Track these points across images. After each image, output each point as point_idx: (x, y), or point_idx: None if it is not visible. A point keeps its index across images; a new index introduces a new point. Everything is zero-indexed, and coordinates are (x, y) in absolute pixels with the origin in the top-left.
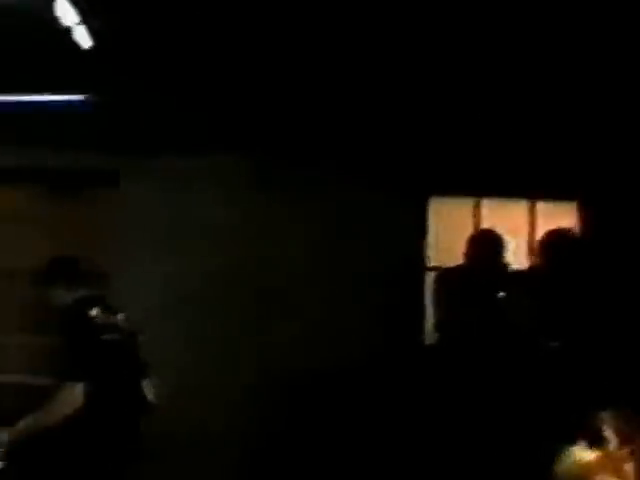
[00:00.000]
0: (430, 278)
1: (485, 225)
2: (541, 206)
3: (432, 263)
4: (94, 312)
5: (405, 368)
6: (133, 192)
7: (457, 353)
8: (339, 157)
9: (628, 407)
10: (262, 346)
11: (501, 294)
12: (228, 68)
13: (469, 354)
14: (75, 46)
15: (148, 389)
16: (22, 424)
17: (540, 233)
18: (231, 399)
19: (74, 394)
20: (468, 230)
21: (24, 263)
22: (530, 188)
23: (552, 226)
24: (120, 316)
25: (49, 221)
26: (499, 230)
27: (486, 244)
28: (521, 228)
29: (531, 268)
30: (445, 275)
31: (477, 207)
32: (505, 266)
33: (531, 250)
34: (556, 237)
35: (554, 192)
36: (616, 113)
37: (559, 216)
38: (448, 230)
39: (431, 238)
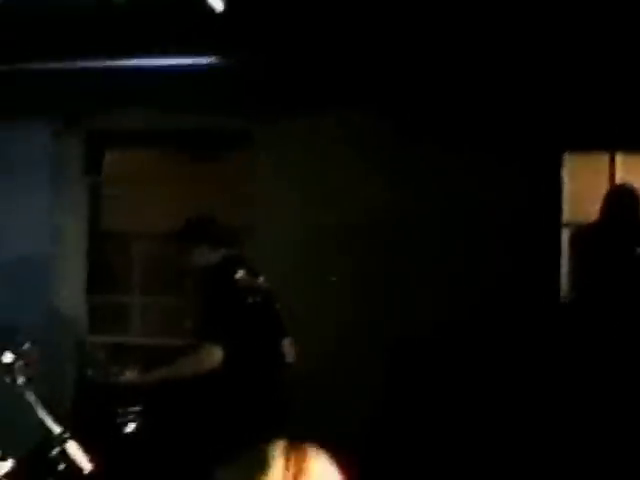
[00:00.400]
0: (565, 234)
1: (620, 180)
2: None
3: (567, 219)
4: (239, 274)
5: (542, 325)
6: (267, 151)
7: (594, 310)
8: (473, 112)
9: None
10: (400, 300)
11: (637, 250)
12: (360, 25)
13: (606, 311)
14: (209, 9)
15: (287, 349)
16: (157, 372)
17: None
18: (373, 355)
19: (212, 356)
20: (603, 185)
21: (165, 225)
22: None
23: None
24: (262, 278)
25: (187, 182)
26: (635, 185)
27: (622, 199)
28: None
29: None
30: (582, 232)
31: (612, 162)
32: None
33: None
34: None
35: None
36: None
37: None
38: (583, 186)
39: (566, 194)
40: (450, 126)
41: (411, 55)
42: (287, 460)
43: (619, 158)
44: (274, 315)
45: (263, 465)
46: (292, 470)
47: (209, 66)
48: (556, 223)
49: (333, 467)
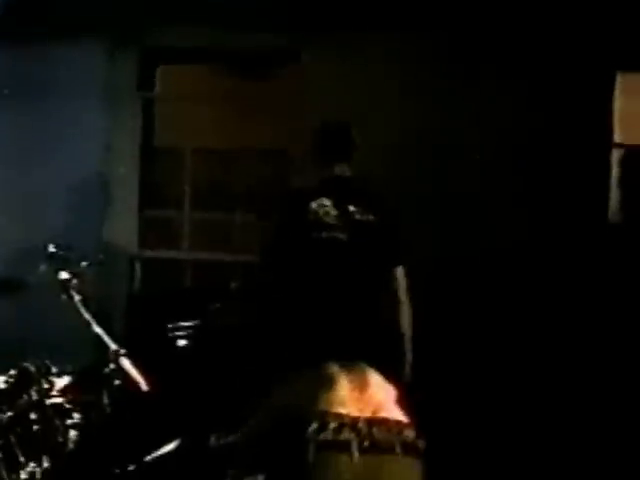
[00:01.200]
0: (616, 154)
1: None
2: None
3: (619, 140)
4: (314, 205)
5: (590, 247)
6: (314, 68)
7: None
8: (523, 32)
9: None
10: (447, 222)
11: None
12: None
13: None
14: None
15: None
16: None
17: None
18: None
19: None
20: None
21: (216, 143)
22: None
23: None
24: (354, 208)
25: (237, 100)
26: None
27: None
28: None
29: None
30: (631, 154)
31: None
32: None
33: None
34: None
35: None
36: None
37: None
38: (636, 106)
39: (618, 114)
40: (498, 45)
41: None
42: (348, 375)
43: None
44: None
45: (329, 380)
46: (356, 383)
47: None
48: (606, 144)
49: (385, 380)
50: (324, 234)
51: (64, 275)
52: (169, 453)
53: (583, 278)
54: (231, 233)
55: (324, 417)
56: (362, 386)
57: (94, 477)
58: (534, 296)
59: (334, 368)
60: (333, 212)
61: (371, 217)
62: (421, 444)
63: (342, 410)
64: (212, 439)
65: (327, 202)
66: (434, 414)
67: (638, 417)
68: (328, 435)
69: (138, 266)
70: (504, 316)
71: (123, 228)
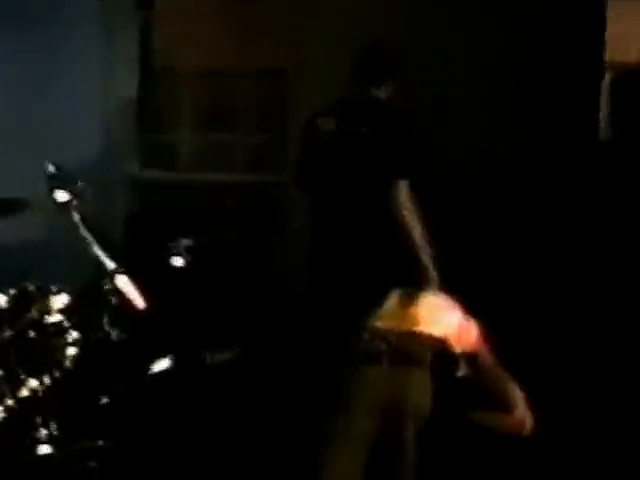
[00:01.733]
0: (607, 75)
1: None
2: None
3: (609, 59)
4: (320, 120)
5: (578, 162)
6: None
7: (631, 151)
8: None
9: None
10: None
11: None
12: None
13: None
14: None
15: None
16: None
17: None
18: None
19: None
20: None
21: (215, 63)
22: None
23: None
24: (356, 122)
25: (237, 22)
26: None
27: None
28: None
29: None
30: (622, 72)
31: None
32: None
33: None
34: None
35: None
36: None
37: None
38: (626, 27)
39: (608, 34)
40: None
41: None
42: (405, 294)
43: None
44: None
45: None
46: (408, 299)
47: None
48: (598, 64)
49: (450, 304)
50: (322, 147)
51: (63, 195)
52: (164, 370)
53: (573, 196)
54: (232, 154)
55: (364, 329)
56: (413, 301)
57: (93, 394)
58: (530, 214)
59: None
60: (331, 127)
61: (365, 129)
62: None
63: (379, 324)
64: (207, 356)
65: (331, 117)
66: None
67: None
68: (361, 346)
69: (139, 187)
70: (495, 237)
71: (124, 151)
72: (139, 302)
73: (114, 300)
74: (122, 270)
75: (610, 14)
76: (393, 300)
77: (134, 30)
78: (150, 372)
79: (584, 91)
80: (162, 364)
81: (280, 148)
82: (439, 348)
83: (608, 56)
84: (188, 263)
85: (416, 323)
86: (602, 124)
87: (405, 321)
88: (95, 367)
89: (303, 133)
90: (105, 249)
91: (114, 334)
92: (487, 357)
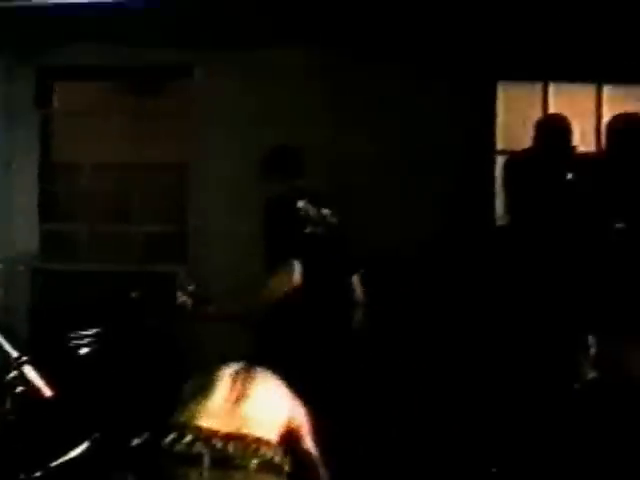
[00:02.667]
0: (499, 161)
1: (552, 109)
2: (608, 90)
3: (502, 146)
4: (301, 203)
5: (476, 248)
6: (206, 84)
7: (526, 234)
8: (404, 44)
9: None
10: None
11: (568, 177)
12: None
13: (538, 235)
14: None
15: (356, 286)
16: (244, 300)
17: (607, 117)
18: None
19: (291, 273)
20: (536, 114)
21: (112, 157)
22: (597, 71)
23: (619, 110)
24: (326, 210)
25: (132, 115)
26: (566, 114)
27: (553, 128)
28: (588, 112)
29: (598, 151)
30: (514, 159)
31: (545, 91)
32: (572, 150)
33: (598, 134)
34: (623, 121)
35: (621, 75)
36: None
37: (625, 100)
38: (516, 114)
39: (500, 122)
40: (385, 55)
41: None
42: (234, 383)
43: (552, 88)
44: (340, 250)
45: (209, 388)
46: (235, 393)
47: (152, 1)
48: (490, 151)
49: (281, 391)
50: (314, 229)
51: None
52: (75, 457)
53: (470, 279)
54: (131, 244)
55: (182, 429)
56: (240, 397)
57: None
58: (423, 294)
59: (226, 371)
60: (313, 211)
61: (335, 220)
62: (285, 463)
63: (203, 423)
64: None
65: (307, 204)
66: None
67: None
68: (182, 448)
69: (40, 278)
70: (395, 318)
71: (24, 241)
72: (45, 390)
73: (18, 388)
74: (26, 359)
75: (500, 104)
76: (221, 393)
77: (34, 126)
78: (59, 460)
79: (479, 178)
80: (72, 451)
81: (179, 239)
82: (265, 451)
83: (500, 143)
84: (92, 352)
85: (243, 425)
86: (498, 209)
87: (231, 421)
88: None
89: (283, 215)
90: (8, 338)
91: (19, 420)
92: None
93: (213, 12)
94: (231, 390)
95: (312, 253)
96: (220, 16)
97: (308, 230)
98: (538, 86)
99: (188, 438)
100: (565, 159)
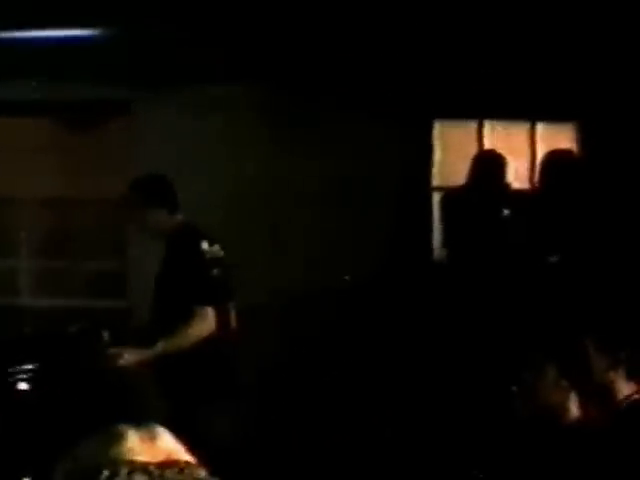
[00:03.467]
0: (436, 197)
1: (487, 147)
2: (541, 128)
3: (438, 183)
4: (204, 245)
5: (413, 283)
6: (144, 121)
7: (459, 269)
8: (343, 84)
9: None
10: (276, 266)
11: (502, 213)
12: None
13: (473, 270)
14: None
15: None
16: (159, 346)
17: (540, 154)
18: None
19: (209, 318)
20: (471, 151)
21: (49, 192)
22: (530, 110)
23: (552, 147)
24: (217, 247)
25: (68, 151)
26: (501, 151)
27: (488, 165)
28: (522, 149)
29: (532, 188)
30: (450, 196)
31: (480, 129)
32: (506, 186)
33: (531, 170)
34: (555, 158)
35: (554, 114)
36: (613, 37)
37: (558, 137)
38: (452, 151)
39: (437, 159)
40: (322, 91)
41: (285, 28)
42: (137, 430)
43: (487, 126)
44: (230, 288)
45: (118, 435)
46: (146, 436)
47: (89, 38)
48: (426, 187)
49: (179, 445)
50: (218, 272)
51: None
52: None
53: (409, 314)
54: (70, 279)
55: (115, 464)
56: (152, 438)
57: None
58: (362, 330)
59: (124, 429)
60: (215, 250)
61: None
62: None
63: (133, 457)
64: None
65: (207, 244)
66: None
67: None
68: None
69: None
70: (333, 352)
71: None
72: None
73: None
74: None
75: (437, 142)
76: (132, 437)
77: None
78: None
79: (415, 214)
80: None
81: (118, 274)
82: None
83: (436, 180)
84: (31, 388)
85: (169, 455)
86: (435, 245)
87: (157, 454)
88: None
89: (191, 256)
90: None
91: None
92: None
93: (151, 48)
94: (140, 433)
95: (219, 296)
96: (157, 52)
97: (214, 273)
98: (473, 124)
99: (124, 471)
100: (500, 195)
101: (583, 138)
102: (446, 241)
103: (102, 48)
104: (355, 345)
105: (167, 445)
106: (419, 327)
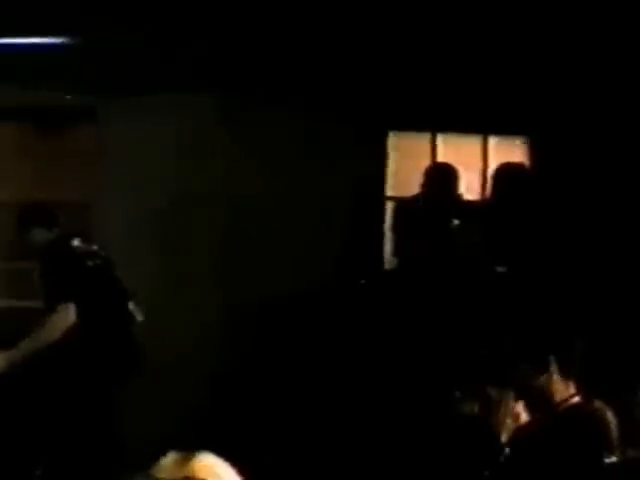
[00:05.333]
0: (389, 206)
1: (440, 159)
2: (493, 141)
3: (391, 193)
4: (75, 242)
5: (364, 291)
6: (109, 127)
7: (411, 278)
8: (300, 92)
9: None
10: (230, 272)
11: (454, 223)
12: (198, 6)
13: (422, 279)
14: None
15: (135, 309)
16: (21, 345)
17: (492, 167)
18: (203, 322)
19: (67, 313)
20: (425, 163)
21: (7, 196)
22: (483, 123)
23: (503, 160)
24: (96, 245)
25: (33, 156)
26: (453, 163)
27: (441, 176)
28: (474, 162)
29: (483, 199)
30: (402, 205)
31: (433, 141)
32: (458, 197)
33: (483, 183)
34: (506, 171)
35: (506, 128)
36: (565, 52)
37: (510, 151)
38: (406, 163)
39: (391, 170)
40: (278, 105)
41: (244, 37)
42: (174, 461)
43: (440, 138)
44: (115, 279)
45: (161, 461)
46: (173, 466)
47: (54, 45)
48: (380, 197)
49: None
50: (94, 262)
51: None
52: None
53: (358, 323)
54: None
55: (143, 477)
56: (186, 460)
57: None
58: (313, 338)
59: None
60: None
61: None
62: None
63: (157, 473)
64: None
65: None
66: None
67: None
68: None
69: None
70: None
71: None
72: None
73: None
74: None
75: (391, 152)
76: (169, 459)
77: None
78: None
79: (368, 223)
80: None
81: None
82: None
83: (390, 190)
84: None
85: (194, 471)
86: (387, 254)
87: (181, 472)
88: None
89: (59, 255)
90: None
91: None
92: None
93: (117, 56)
94: (176, 459)
95: (93, 283)
96: (124, 60)
97: (89, 264)
98: (427, 136)
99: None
100: (451, 206)
101: (534, 153)
102: (397, 250)
103: (68, 55)
104: (304, 352)
105: (195, 467)
106: (368, 335)
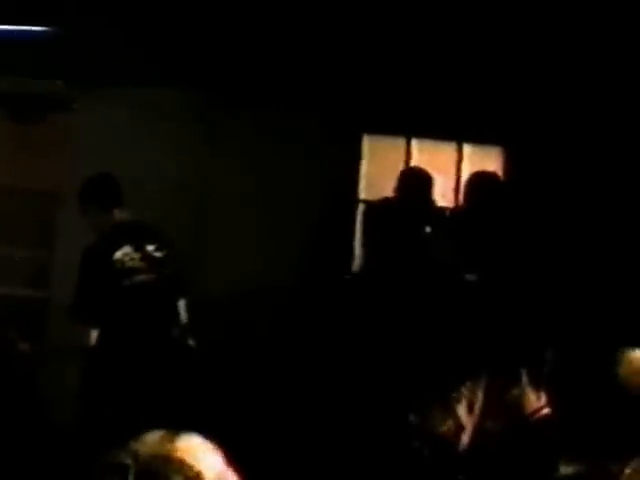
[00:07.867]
0: (361, 209)
1: (415, 164)
2: (468, 148)
3: (364, 196)
4: (119, 254)
5: (333, 293)
6: (85, 117)
7: (380, 283)
8: (276, 92)
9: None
10: (198, 271)
11: (426, 229)
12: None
13: (392, 285)
14: None
15: (183, 332)
16: None
17: (466, 174)
18: None
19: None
20: (399, 167)
21: None
22: (458, 130)
23: (477, 168)
24: (151, 247)
25: (10, 143)
26: (427, 169)
27: (414, 181)
28: (448, 168)
29: (456, 206)
30: (375, 208)
31: (408, 146)
32: (431, 203)
33: (457, 189)
34: (480, 179)
35: (480, 135)
36: (540, 61)
37: (484, 159)
38: (380, 166)
39: (364, 173)
40: (254, 102)
41: (221, 36)
42: (160, 438)
43: (415, 143)
44: (158, 298)
45: (143, 436)
46: (157, 443)
47: (33, 33)
48: (353, 199)
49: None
50: (131, 280)
51: None
52: None
53: (314, 326)
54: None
55: (127, 451)
56: (173, 438)
57: None
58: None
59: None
60: (136, 256)
61: (165, 252)
62: None
63: (138, 448)
64: None
65: (129, 249)
66: None
67: None
68: (107, 457)
69: None
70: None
71: None
72: None
73: None
74: None
75: (365, 155)
76: (152, 435)
77: None
78: None
79: (340, 225)
80: None
81: (45, 266)
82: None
83: (363, 193)
84: None
85: (175, 450)
86: (356, 257)
87: (163, 448)
88: None
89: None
90: None
91: None
92: None
93: (98, 48)
94: (162, 436)
95: (128, 307)
96: (105, 52)
97: (125, 283)
98: (402, 140)
99: (123, 454)
100: (424, 211)
101: (508, 162)
102: (365, 253)
103: (46, 44)
104: (272, 353)
105: (177, 446)
106: (335, 339)
